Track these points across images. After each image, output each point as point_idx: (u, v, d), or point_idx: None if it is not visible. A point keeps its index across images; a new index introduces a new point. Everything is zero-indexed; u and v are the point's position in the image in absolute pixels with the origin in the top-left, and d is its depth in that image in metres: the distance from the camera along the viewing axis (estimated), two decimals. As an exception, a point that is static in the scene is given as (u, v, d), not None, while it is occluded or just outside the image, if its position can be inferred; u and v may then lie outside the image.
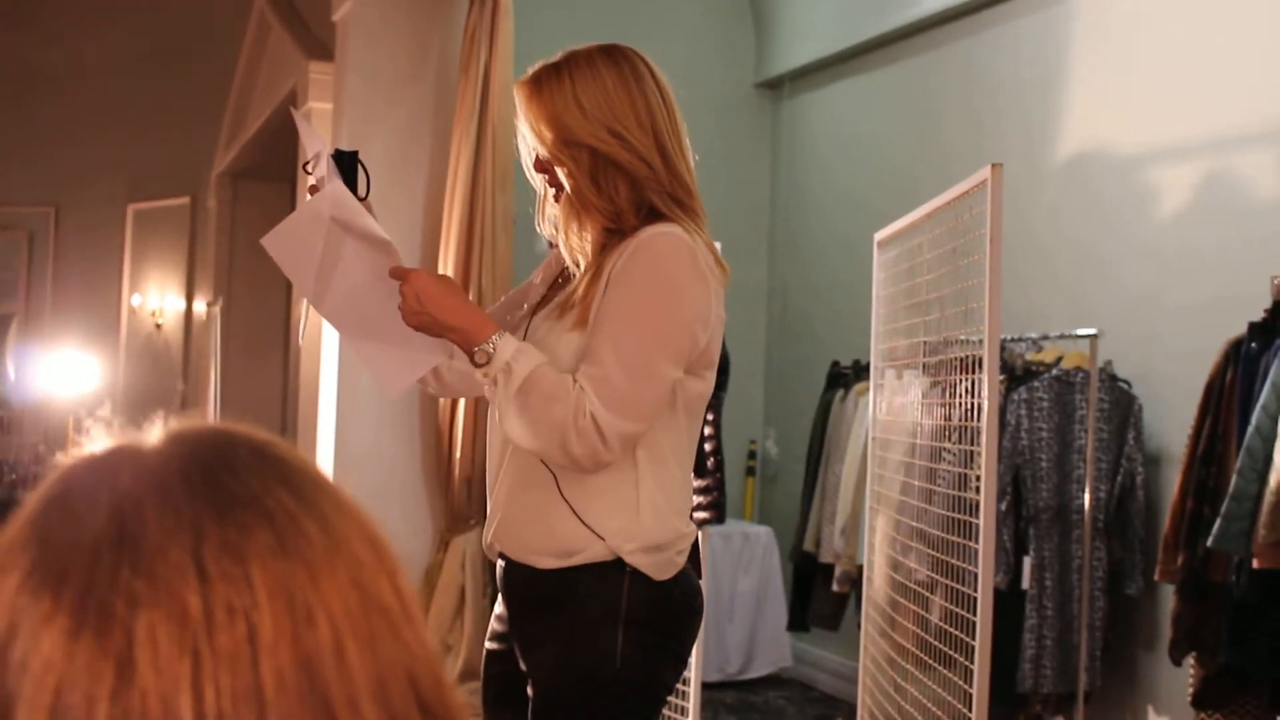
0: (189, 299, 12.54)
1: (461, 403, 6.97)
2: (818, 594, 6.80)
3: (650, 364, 2.61)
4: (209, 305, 9.70)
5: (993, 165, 3.89)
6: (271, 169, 10.49)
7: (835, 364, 7.11)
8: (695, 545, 2.85)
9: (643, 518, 2.68)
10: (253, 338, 11.13)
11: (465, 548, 6.98)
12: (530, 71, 2.81)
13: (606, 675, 2.67)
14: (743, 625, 7.88)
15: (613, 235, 2.74)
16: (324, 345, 7.13)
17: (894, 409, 5.20)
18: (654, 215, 2.72)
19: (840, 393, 6.90)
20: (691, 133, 8.12)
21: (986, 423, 3.86)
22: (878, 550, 5.28)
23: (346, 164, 2.82)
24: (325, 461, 6.91)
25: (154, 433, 0.88)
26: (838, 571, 6.52)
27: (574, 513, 2.68)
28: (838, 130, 8.44)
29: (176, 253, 12.66)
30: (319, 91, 7.90)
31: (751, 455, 8.93)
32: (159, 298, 12.66)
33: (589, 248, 2.77)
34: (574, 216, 2.77)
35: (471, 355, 2.64)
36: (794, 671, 8.12)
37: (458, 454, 7.01)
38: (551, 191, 2.83)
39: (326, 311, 2.80)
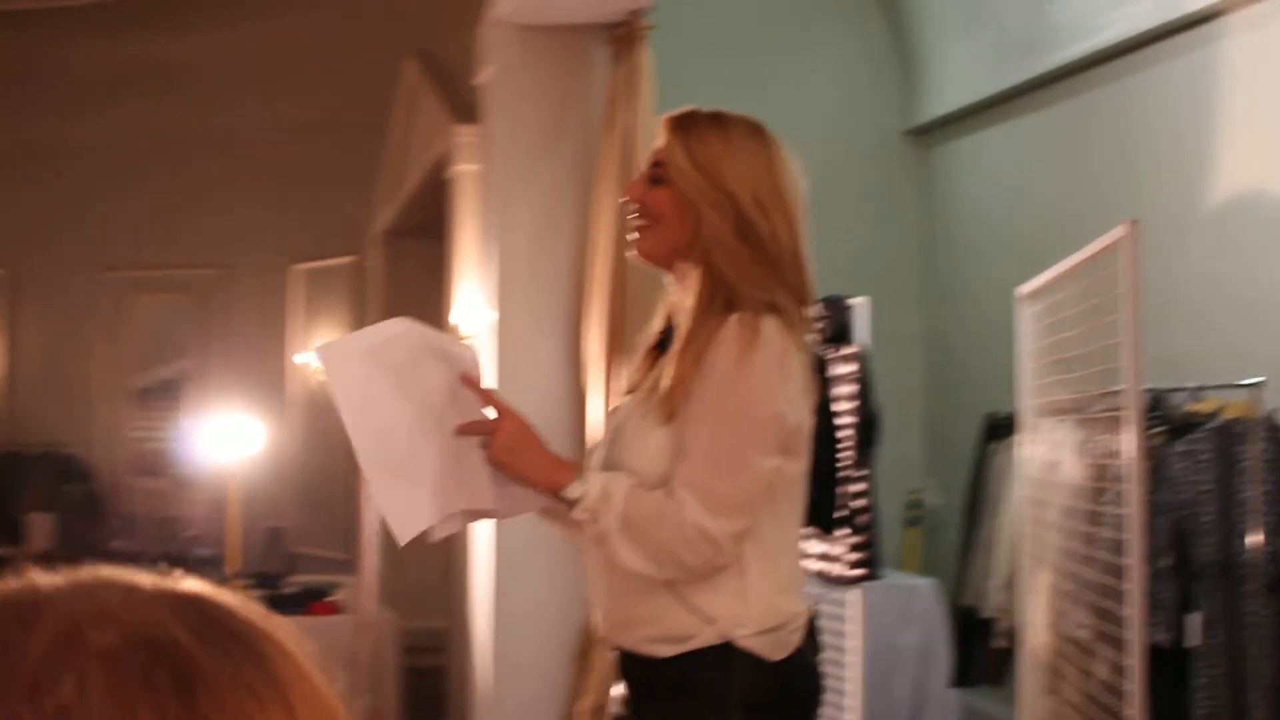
0: (353, 357, 12.73)
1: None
2: (979, 649, 6.68)
3: (743, 460, 2.61)
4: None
5: (1130, 221, 3.80)
6: (429, 227, 10.65)
7: (992, 415, 7.00)
8: (813, 625, 2.81)
9: (750, 603, 2.67)
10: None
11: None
12: (682, 110, 2.81)
13: None
14: (907, 680, 7.76)
15: (724, 303, 2.71)
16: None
17: (1044, 464, 5.10)
18: (768, 304, 2.68)
19: (998, 445, 6.78)
20: (840, 181, 8.15)
21: (1133, 481, 3.76)
22: (1038, 607, 5.17)
23: None
24: (483, 548, 6.89)
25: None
26: (999, 626, 6.40)
27: (680, 598, 2.67)
28: (988, 177, 8.34)
29: (341, 311, 12.89)
30: (466, 154, 8.01)
31: (912, 506, 8.81)
32: (325, 356, 12.85)
33: (688, 302, 2.75)
34: (671, 259, 2.79)
35: (561, 494, 2.66)
36: (965, 727, 7.98)
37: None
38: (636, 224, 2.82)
39: (361, 439, 2.69)
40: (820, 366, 6.09)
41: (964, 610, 6.81)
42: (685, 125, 2.78)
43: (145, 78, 13.77)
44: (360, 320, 12.56)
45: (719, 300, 2.71)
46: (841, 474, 5.94)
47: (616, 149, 7.14)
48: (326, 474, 12.07)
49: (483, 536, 6.76)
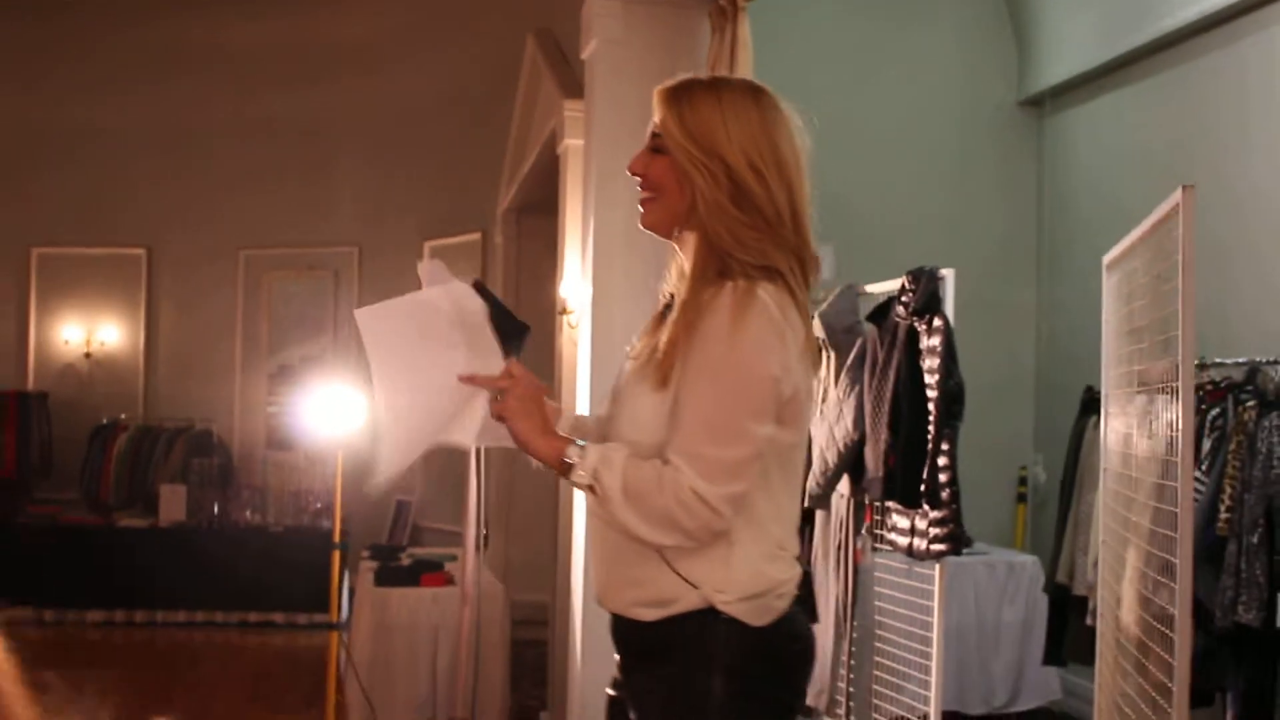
0: (482, 331, 12.87)
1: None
2: (1072, 627, 6.56)
3: (737, 425, 2.59)
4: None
5: (1184, 187, 3.70)
6: (549, 204, 10.70)
7: (1089, 389, 6.86)
8: (808, 588, 2.80)
9: (734, 569, 2.67)
10: (533, 368, 11.34)
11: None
12: (677, 79, 2.80)
13: None
14: (1008, 657, 7.67)
15: (718, 269, 2.69)
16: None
17: (1121, 438, 4.99)
18: (764, 268, 2.66)
19: (1093, 419, 6.65)
20: (953, 153, 8.05)
21: (1184, 455, 3.67)
22: (1114, 585, 5.06)
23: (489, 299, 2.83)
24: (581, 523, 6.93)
25: None
26: (1091, 604, 6.28)
27: (666, 563, 2.67)
28: (1101, 145, 8.18)
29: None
30: (573, 129, 8.03)
31: (1022, 482, 8.69)
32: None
33: (686, 268, 2.75)
34: (673, 227, 2.80)
35: (562, 461, 2.68)
36: (1065, 705, 7.86)
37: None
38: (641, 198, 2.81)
39: (391, 405, 2.78)
40: (910, 338, 6.04)
41: (1058, 587, 6.69)
42: (679, 94, 2.76)
43: (279, 61, 14.01)
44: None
45: (713, 267, 2.70)
46: (928, 447, 5.85)
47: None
48: (452, 450, 12.17)
49: (582, 512, 6.80)
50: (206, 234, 14.43)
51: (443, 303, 2.74)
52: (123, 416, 14.23)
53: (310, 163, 14.15)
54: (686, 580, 2.66)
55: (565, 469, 2.68)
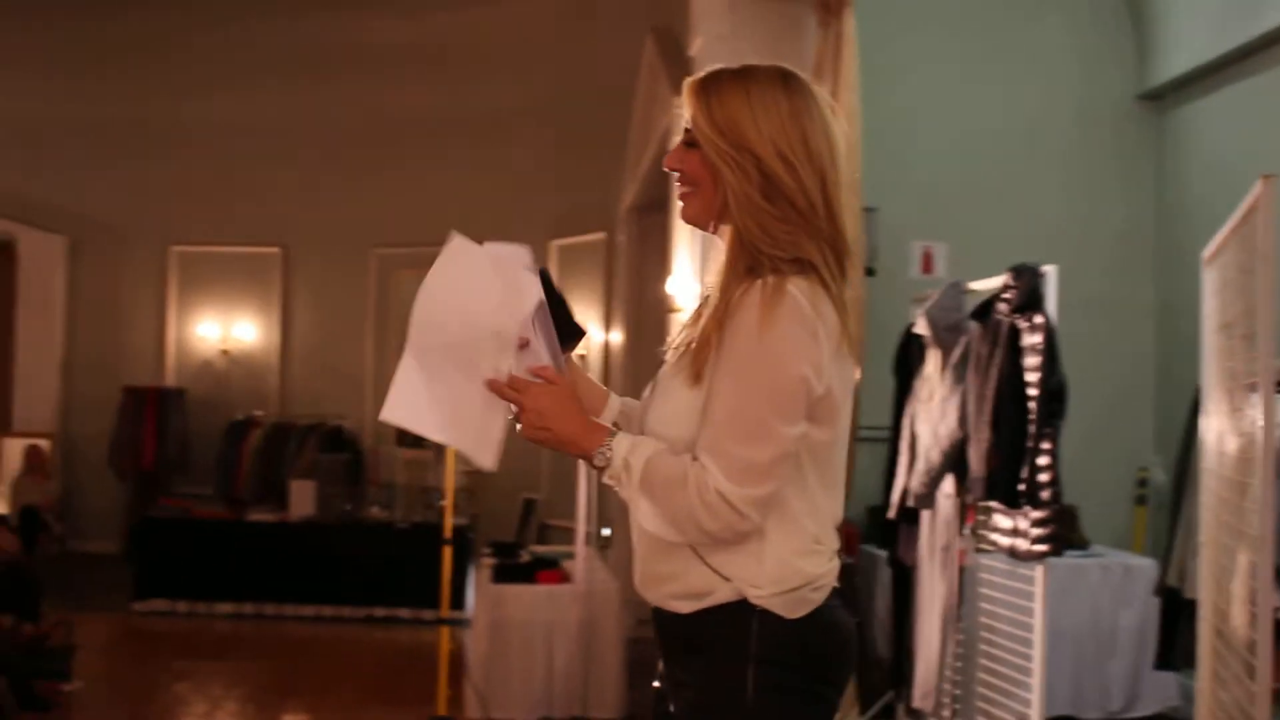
0: (606, 329, 12.95)
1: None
2: (1184, 631, 6.41)
3: (764, 427, 2.56)
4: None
5: (1264, 177, 3.62)
6: (666, 202, 10.72)
7: (1199, 388, 6.70)
8: (849, 581, 2.77)
9: (766, 565, 2.64)
10: (654, 367, 11.36)
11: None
12: (706, 70, 2.78)
13: (739, 716, 2.63)
14: (1126, 661, 7.54)
15: (748, 264, 2.66)
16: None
17: (1218, 436, 4.88)
18: (795, 260, 2.63)
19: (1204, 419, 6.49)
20: (1070, 147, 7.92)
21: (1262, 453, 3.58)
22: (1211, 588, 4.95)
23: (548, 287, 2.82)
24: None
25: None
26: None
27: (699, 556, 2.66)
28: (1224, 138, 8.00)
29: (593, 286, 13.08)
30: (682, 127, 8.01)
31: (1142, 484, 8.52)
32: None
33: (721, 275, 2.72)
34: (701, 222, 2.76)
35: (591, 461, 2.67)
36: (1184, 711, 7.69)
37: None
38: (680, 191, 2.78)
39: (423, 371, 2.77)
40: (1012, 336, 5.96)
41: (1169, 591, 6.54)
42: (706, 87, 2.73)
43: (404, 61, 14.19)
44: (609, 295, 12.73)
45: (744, 262, 2.67)
46: (1028, 447, 5.77)
47: (821, 118, 7.08)
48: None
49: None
50: (339, 232, 14.66)
51: (496, 288, 2.73)
52: (257, 413, 14.51)
53: (440, 161, 14.31)
54: (719, 573, 2.65)
55: (597, 466, 2.69)
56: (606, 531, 10.16)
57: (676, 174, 2.78)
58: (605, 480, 2.68)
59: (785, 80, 2.72)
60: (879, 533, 7.69)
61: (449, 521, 7.72)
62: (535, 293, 2.72)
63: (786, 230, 2.64)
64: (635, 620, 8.78)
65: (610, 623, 8.42)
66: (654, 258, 11.42)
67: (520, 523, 12.96)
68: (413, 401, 2.76)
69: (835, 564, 2.75)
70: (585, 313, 13.12)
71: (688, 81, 2.77)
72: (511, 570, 8.89)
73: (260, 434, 14.00)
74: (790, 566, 2.65)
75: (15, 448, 14.50)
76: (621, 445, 2.65)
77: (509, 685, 8.28)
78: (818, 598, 2.68)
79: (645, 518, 2.63)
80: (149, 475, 14.50)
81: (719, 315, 2.63)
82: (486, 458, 2.77)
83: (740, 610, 2.64)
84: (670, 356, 2.82)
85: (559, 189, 13.55)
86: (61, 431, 15.23)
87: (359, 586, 11.62)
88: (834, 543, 2.77)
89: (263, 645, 10.80)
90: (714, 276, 2.78)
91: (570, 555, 8.96)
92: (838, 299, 2.66)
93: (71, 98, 15.09)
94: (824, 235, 2.66)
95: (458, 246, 2.75)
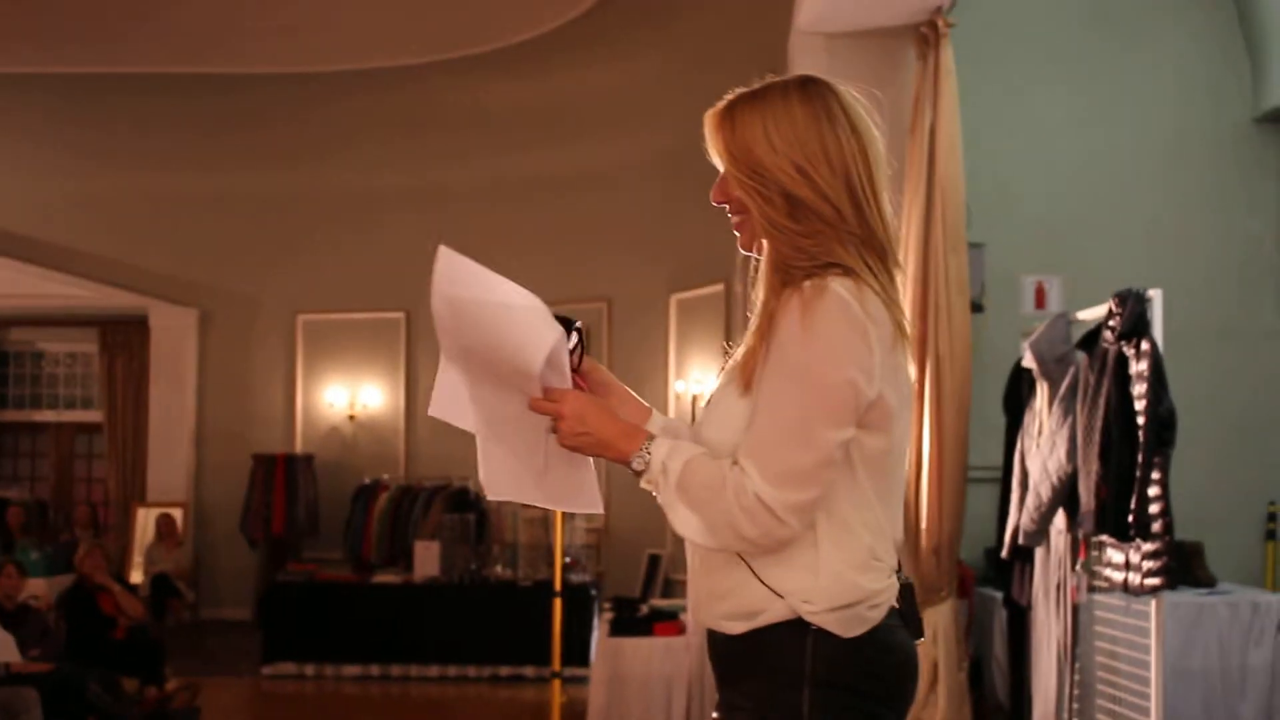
0: (726, 381, 12.86)
1: (925, 471, 6.78)
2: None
3: (807, 430, 2.47)
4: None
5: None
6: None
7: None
8: (910, 601, 2.65)
9: (821, 578, 2.54)
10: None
11: (937, 620, 6.76)
12: (726, 99, 2.73)
13: None
14: (1257, 702, 7.23)
15: (783, 280, 2.60)
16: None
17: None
18: (830, 266, 2.56)
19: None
20: (1185, 171, 7.72)
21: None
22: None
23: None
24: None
25: None
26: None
27: (752, 572, 2.57)
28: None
29: (710, 338, 13.01)
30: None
31: (1272, 518, 8.23)
32: (699, 383, 13.03)
33: (761, 291, 2.66)
34: (753, 248, 2.70)
35: (629, 465, 2.61)
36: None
37: (924, 523, 6.81)
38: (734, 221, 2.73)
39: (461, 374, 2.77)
40: (1119, 364, 5.79)
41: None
42: (720, 121, 2.69)
43: (522, 122, 14.29)
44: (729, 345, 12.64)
45: (779, 278, 2.61)
46: (1138, 477, 5.58)
47: (922, 149, 6.99)
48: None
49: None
50: (464, 294, 14.72)
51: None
52: (384, 476, 14.59)
53: (559, 220, 14.38)
54: (773, 590, 2.55)
55: (635, 470, 2.62)
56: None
57: (725, 205, 2.74)
58: (643, 485, 2.61)
59: (802, 88, 2.66)
60: (995, 574, 7.50)
61: (559, 569, 7.65)
62: (552, 334, 2.67)
63: (815, 244, 2.58)
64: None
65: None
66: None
67: (645, 578, 12.89)
68: (455, 398, 2.78)
69: (894, 582, 2.64)
70: (705, 364, 13.06)
71: (707, 115, 2.72)
72: (629, 623, 8.82)
73: (387, 497, 14.08)
74: (846, 581, 2.55)
75: (149, 517, 14.74)
76: (660, 449, 2.58)
77: (628, 739, 8.20)
78: (875, 616, 2.57)
79: (682, 523, 2.55)
80: (279, 541, 14.64)
81: (761, 326, 2.58)
82: (537, 459, 2.73)
83: (794, 630, 2.54)
84: (722, 376, 2.75)
85: (676, 243, 13.52)
86: (194, 500, 15.45)
87: (483, 645, 11.59)
88: (893, 559, 2.66)
89: (388, 706, 10.81)
90: (758, 292, 2.73)
91: (684, 609, 8.87)
92: (888, 297, 2.58)
93: (198, 171, 15.39)
94: (857, 238, 2.59)
95: (451, 260, 2.71)
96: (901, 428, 2.63)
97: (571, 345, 2.81)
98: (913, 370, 2.67)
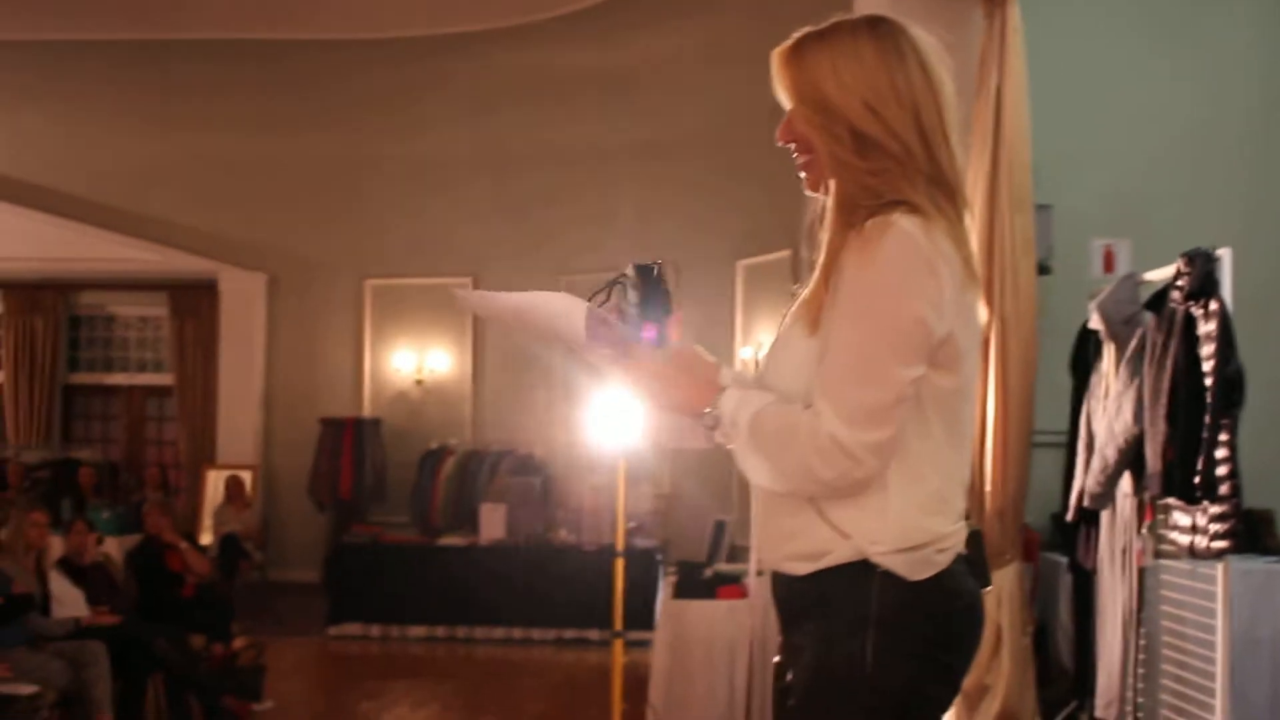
0: (792, 349, 12.82)
1: (989, 434, 6.72)
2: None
3: (880, 368, 2.45)
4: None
5: None
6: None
7: None
8: (978, 548, 2.62)
9: (889, 519, 2.51)
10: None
11: (1002, 583, 6.71)
12: (793, 37, 2.70)
13: (856, 682, 2.50)
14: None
15: (848, 220, 2.57)
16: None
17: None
18: (897, 204, 2.53)
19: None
20: (1259, 134, 7.50)
21: None
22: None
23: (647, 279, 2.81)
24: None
25: None
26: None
27: (819, 512, 2.54)
28: None
29: (775, 305, 12.95)
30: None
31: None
32: (765, 349, 12.98)
33: (827, 232, 2.63)
34: (819, 188, 2.68)
35: (701, 420, 2.61)
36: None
37: (989, 486, 6.76)
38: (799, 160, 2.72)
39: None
40: (1187, 324, 5.71)
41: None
42: (789, 57, 2.67)
43: (587, 88, 14.28)
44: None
45: (844, 216, 2.59)
46: (1205, 438, 5.51)
47: (988, 110, 6.91)
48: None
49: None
50: (529, 260, 14.76)
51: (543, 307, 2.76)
52: (451, 441, 14.65)
53: (623, 186, 14.35)
54: (839, 531, 2.53)
55: (707, 426, 2.61)
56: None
57: (792, 145, 2.72)
58: (716, 439, 2.61)
59: (872, 27, 2.65)
60: (1060, 538, 7.43)
61: (621, 529, 7.63)
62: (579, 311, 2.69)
63: (882, 181, 2.56)
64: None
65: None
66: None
67: (711, 544, 12.86)
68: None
69: (963, 527, 2.61)
70: (771, 330, 13.00)
71: (774, 53, 2.70)
72: (693, 586, 8.81)
73: (454, 462, 14.14)
74: (914, 522, 2.53)
75: (219, 479, 14.86)
76: (729, 400, 2.57)
77: (691, 701, 8.17)
78: (943, 560, 2.55)
79: (756, 472, 2.54)
80: (346, 504, 14.73)
81: (828, 265, 2.57)
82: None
83: (860, 571, 2.52)
84: (788, 317, 2.73)
85: (742, 209, 13.46)
86: (263, 463, 15.58)
87: (548, 608, 11.65)
88: (961, 503, 2.64)
89: (452, 667, 10.88)
90: (824, 233, 2.70)
91: (747, 573, 8.85)
92: (956, 235, 2.55)
93: (269, 137, 15.49)
94: (924, 175, 2.58)
95: (474, 299, 2.82)
96: (970, 368, 2.61)
97: (646, 290, 2.80)
98: (983, 312, 2.63)
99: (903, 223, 2.47)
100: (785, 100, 2.68)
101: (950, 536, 2.57)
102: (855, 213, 2.56)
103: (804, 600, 2.60)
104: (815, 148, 2.64)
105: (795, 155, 2.72)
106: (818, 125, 2.61)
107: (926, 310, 2.45)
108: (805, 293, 2.66)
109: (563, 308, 2.71)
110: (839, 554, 2.53)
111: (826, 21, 2.69)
